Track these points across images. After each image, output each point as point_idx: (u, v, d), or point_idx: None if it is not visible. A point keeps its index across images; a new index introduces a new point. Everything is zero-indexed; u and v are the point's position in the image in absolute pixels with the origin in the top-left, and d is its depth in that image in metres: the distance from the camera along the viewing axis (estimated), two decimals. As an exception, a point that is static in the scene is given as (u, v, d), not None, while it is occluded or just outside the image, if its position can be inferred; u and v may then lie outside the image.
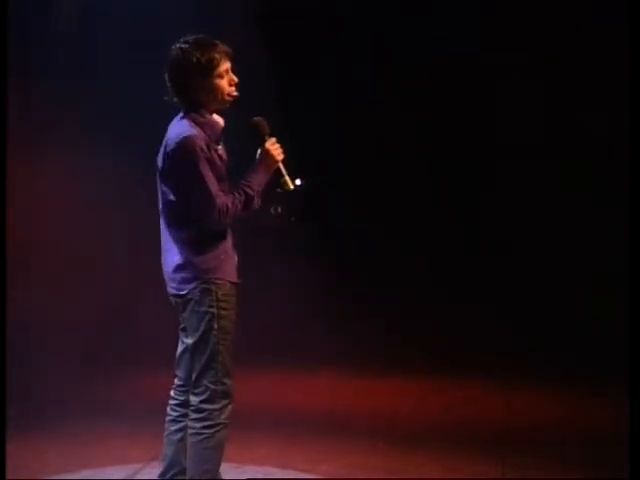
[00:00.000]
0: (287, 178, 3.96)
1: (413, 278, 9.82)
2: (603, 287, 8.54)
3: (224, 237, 3.95)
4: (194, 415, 3.91)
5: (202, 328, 3.88)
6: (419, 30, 9.71)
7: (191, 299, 3.90)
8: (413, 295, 9.44)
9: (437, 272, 9.92)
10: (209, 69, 3.85)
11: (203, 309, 3.88)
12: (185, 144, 3.79)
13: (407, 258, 10.16)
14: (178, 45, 3.90)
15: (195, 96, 3.90)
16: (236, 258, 4.04)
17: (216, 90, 3.90)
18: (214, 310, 3.88)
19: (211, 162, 3.84)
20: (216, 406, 3.87)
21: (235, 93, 3.94)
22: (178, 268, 3.93)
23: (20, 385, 6.05)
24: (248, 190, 3.88)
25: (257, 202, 3.92)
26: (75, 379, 6.87)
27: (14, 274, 5.88)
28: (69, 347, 7.28)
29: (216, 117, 4.02)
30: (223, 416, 3.89)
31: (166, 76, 3.92)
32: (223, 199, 3.81)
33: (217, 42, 3.91)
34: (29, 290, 7.62)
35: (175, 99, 3.93)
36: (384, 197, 10.81)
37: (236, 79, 3.93)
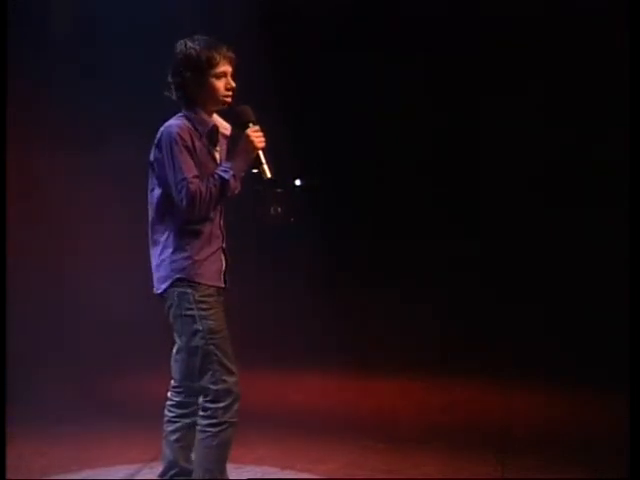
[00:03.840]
0: (265, 167, 3.90)
1: (413, 279, 9.82)
2: (603, 287, 8.54)
3: (205, 239, 3.92)
4: (200, 413, 3.93)
5: (187, 332, 3.89)
6: (421, 30, 9.71)
7: (171, 303, 3.92)
8: (413, 295, 9.44)
9: (438, 273, 9.93)
10: (206, 66, 3.87)
11: (184, 313, 3.89)
12: (167, 132, 3.85)
13: (407, 259, 10.16)
14: (183, 40, 3.95)
15: (190, 92, 3.93)
16: (223, 263, 4.01)
17: (211, 89, 3.91)
18: (194, 312, 3.87)
19: (192, 152, 3.84)
20: (220, 405, 3.87)
21: (229, 99, 3.95)
22: (156, 267, 3.97)
23: (20, 385, 6.06)
24: (223, 174, 3.84)
25: (234, 186, 3.86)
26: (75, 379, 6.88)
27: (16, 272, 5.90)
28: (69, 347, 7.29)
29: (216, 118, 4.02)
30: (228, 415, 3.88)
31: (169, 71, 3.96)
32: (197, 185, 3.78)
33: (223, 45, 3.94)
34: (29, 290, 7.63)
35: (174, 96, 3.96)
36: (384, 197, 10.82)
37: (233, 84, 3.94)
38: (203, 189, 3.78)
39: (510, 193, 10.06)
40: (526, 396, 6.78)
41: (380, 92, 10.28)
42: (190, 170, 3.80)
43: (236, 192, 3.93)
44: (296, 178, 11.96)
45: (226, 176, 3.84)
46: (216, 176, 3.84)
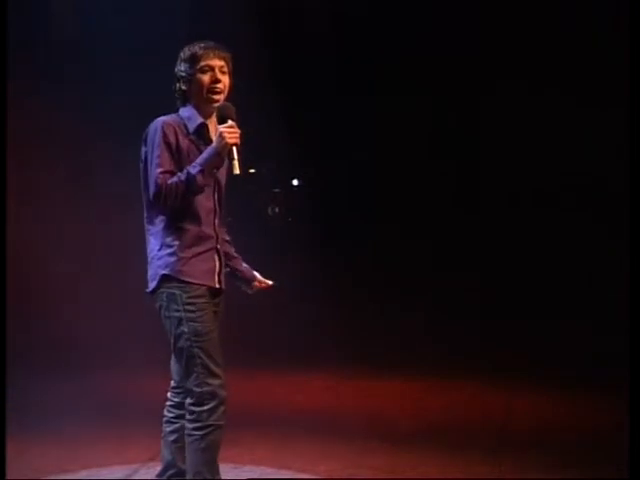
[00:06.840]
0: (236, 163, 3.90)
1: (413, 279, 9.82)
2: (603, 287, 8.55)
3: (193, 238, 3.92)
4: (187, 416, 3.92)
5: (173, 333, 3.90)
6: (421, 31, 9.73)
7: (161, 304, 3.93)
8: (413, 296, 9.45)
9: (438, 273, 9.93)
10: (191, 61, 3.95)
11: (171, 314, 3.89)
12: (152, 127, 3.93)
13: (408, 259, 10.16)
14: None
15: (182, 88, 4.00)
16: (216, 264, 4.01)
17: (196, 82, 3.96)
18: (181, 314, 3.87)
19: (172, 147, 3.88)
20: (204, 408, 3.86)
21: (218, 94, 3.95)
22: (148, 264, 4.00)
23: (20, 385, 6.06)
24: (190, 169, 3.86)
25: (201, 181, 3.85)
26: (75, 379, 6.88)
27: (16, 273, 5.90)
28: (69, 347, 7.29)
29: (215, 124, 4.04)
30: (213, 418, 3.86)
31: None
32: (163, 180, 3.81)
33: (214, 44, 3.99)
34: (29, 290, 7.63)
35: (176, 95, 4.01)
36: (385, 198, 10.82)
37: (220, 77, 3.96)
38: (168, 183, 3.81)
39: (511, 195, 10.07)
40: (526, 396, 6.78)
41: (380, 92, 10.29)
42: (162, 165, 3.84)
43: (205, 188, 3.93)
44: (294, 178, 11.95)
45: (193, 171, 3.85)
46: (184, 171, 3.87)
